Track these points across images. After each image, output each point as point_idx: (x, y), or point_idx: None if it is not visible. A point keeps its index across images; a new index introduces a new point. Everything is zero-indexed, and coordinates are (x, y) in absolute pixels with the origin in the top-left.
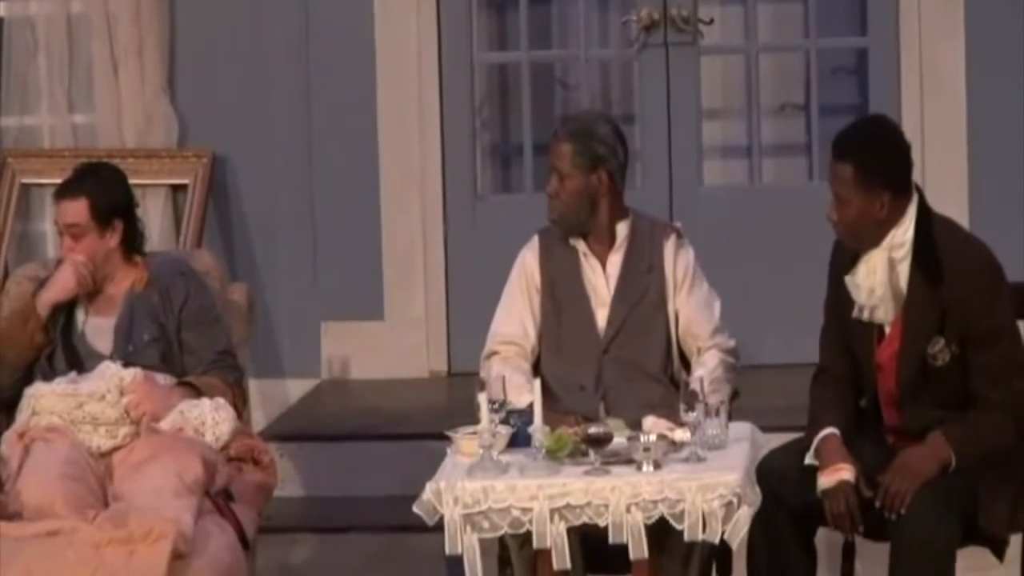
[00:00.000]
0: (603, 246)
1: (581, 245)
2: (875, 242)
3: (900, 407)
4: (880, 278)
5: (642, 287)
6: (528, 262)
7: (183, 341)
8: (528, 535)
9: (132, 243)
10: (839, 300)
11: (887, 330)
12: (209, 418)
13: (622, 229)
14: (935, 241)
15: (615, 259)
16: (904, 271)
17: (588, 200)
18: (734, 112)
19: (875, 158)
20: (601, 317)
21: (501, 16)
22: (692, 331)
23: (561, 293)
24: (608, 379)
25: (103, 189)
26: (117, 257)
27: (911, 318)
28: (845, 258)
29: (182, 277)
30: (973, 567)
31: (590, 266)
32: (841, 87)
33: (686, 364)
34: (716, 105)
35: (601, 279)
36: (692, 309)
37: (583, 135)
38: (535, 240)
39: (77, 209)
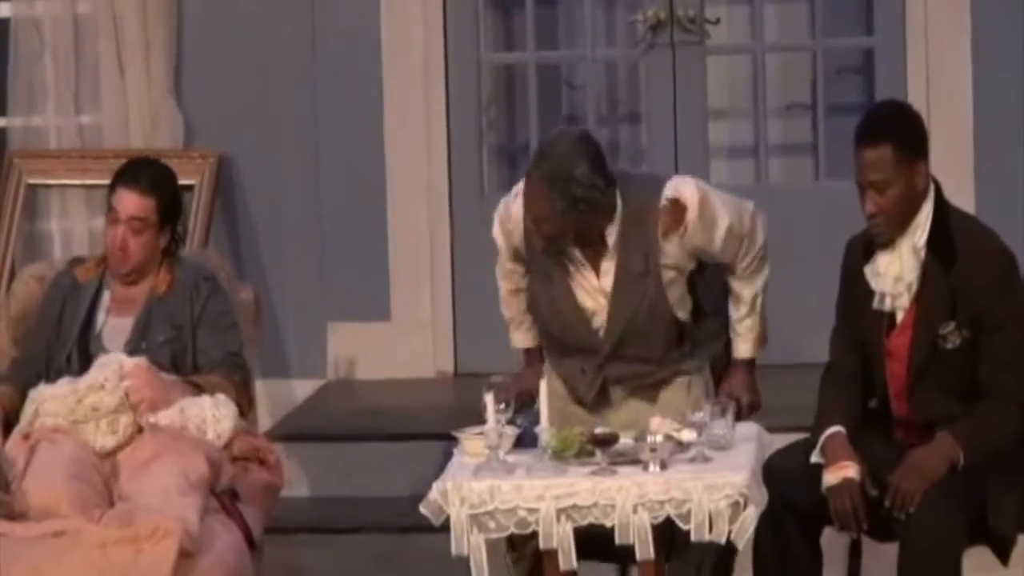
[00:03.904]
0: (595, 250)
1: (573, 252)
2: (906, 226)
3: (909, 395)
4: (908, 264)
5: (639, 292)
6: (511, 227)
7: (196, 342)
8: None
9: (173, 248)
10: (851, 298)
11: (899, 318)
12: (209, 415)
13: (611, 232)
14: (950, 227)
15: (608, 266)
16: (921, 256)
17: (572, 231)
18: (740, 112)
19: (908, 131)
20: (597, 325)
21: (507, 16)
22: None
23: (555, 297)
24: (613, 372)
25: (169, 193)
26: (157, 259)
27: (924, 303)
28: (859, 255)
29: (206, 282)
30: (980, 567)
31: (582, 275)
32: (847, 87)
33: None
34: (722, 105)
35: (593, 286)
36: (720, 257)
37: (560, 180)
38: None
39: (146, 205)
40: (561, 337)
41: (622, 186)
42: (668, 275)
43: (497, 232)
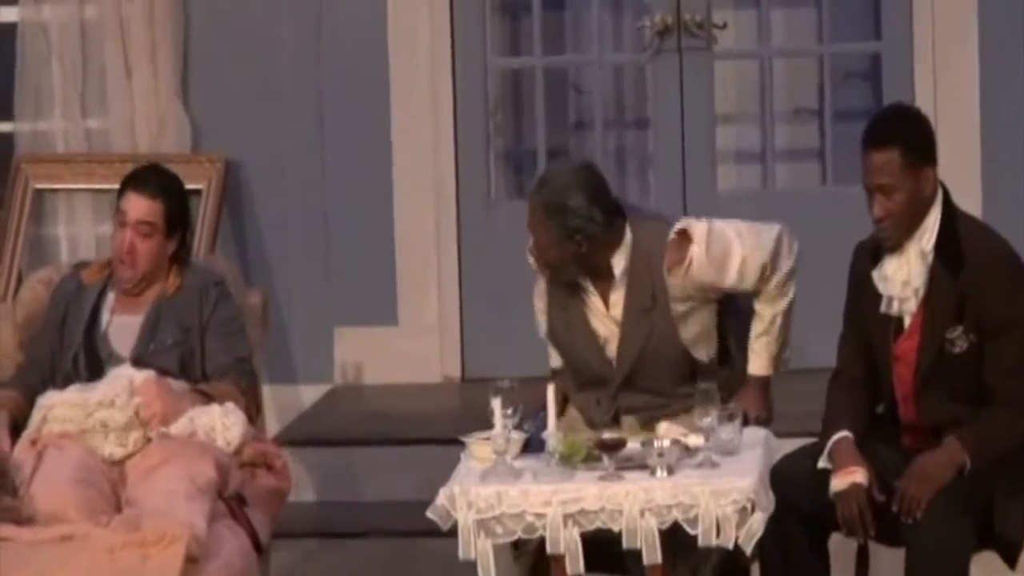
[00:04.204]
0: (604, 281)
1: (584, 282)
2: (914, 230)
3: (916, 399)
4: (915, 268)
5: (648, 326)
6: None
7: (205, 346)
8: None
9: (183, 256)
10: (859, 303)
11: (907, 322)
12: (219, 423)
13: (618, 263)
14: (958, 231)
15: (616, 298)
16: (929, 261)
17: (572, 262)
18: (748, 117)
19: (916, 135)
20: (610, 353)
21: (515, 21)
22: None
23: (570, 324)
24: (625, 403)
25: (177, 198)
26: (164, 267)
27: (931, 307)
28: (866, 259)
29: (216, 287)
30: (988, 572)
31: (593, 305)
32: (855, 92)
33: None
34: (730, 110)
35: (604, 315)
36: (727, 293)
37: (555, 209)
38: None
39: (154, 209)
40: (577, 365)
41: (633, 220)
42: (679, 308)
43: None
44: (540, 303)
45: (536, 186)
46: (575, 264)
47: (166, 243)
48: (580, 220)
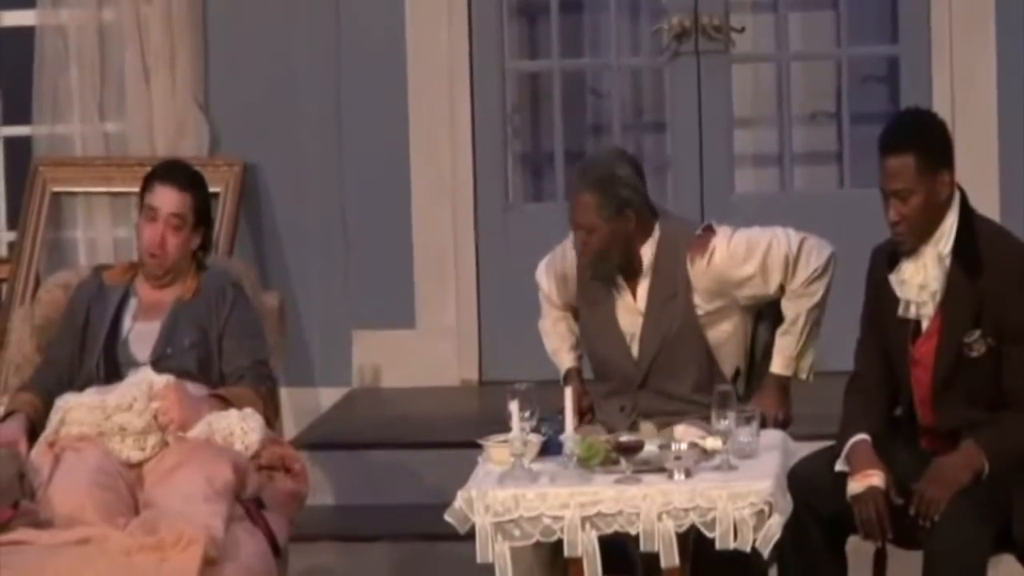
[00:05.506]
0: (633, 273)
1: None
2: (930, 234)
3: (934, 402)
4: (932, 273)
5: (670, 316)
6: (566, 269)
7: (223, 347)
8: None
9: (202, 255)
10: (877, 306)
11: (924, 325)
12: (238, 428)
13: (647, 253)
14: (975, 235)
15: (643, 287)
16: (946, 264)
17: (621, 242)
18: (765, 120)
19: (931, 140)
20: (635, 350)
21: (532, 25)
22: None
23: (600, 320)
24: (644, 406)
25: (203, 191)
26: (188, 261)
27: (950, 310)
28: (884, 263)
29: (232, 289)
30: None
31: (620, 296)
32: (872, 95)
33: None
34: (747, 113)
35: (632, 309)
36: (755, 295)
37: (606, 183)
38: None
39: (184, 202)
40: (603, 364)
41: (664, 218)
42: (705, 306)
43: (543, 275)
44: (548, 320)
45: (579, 173)
46: (621, 246)
47: (192, 237)
48: (629, 190)
